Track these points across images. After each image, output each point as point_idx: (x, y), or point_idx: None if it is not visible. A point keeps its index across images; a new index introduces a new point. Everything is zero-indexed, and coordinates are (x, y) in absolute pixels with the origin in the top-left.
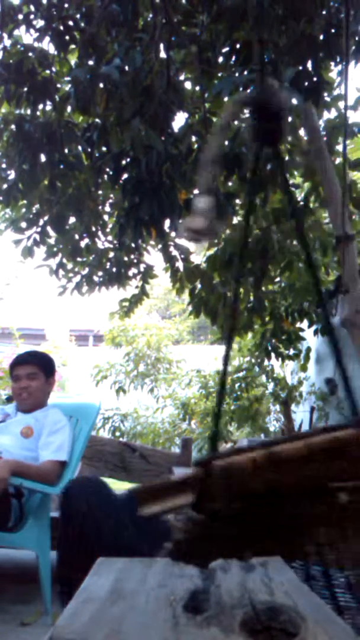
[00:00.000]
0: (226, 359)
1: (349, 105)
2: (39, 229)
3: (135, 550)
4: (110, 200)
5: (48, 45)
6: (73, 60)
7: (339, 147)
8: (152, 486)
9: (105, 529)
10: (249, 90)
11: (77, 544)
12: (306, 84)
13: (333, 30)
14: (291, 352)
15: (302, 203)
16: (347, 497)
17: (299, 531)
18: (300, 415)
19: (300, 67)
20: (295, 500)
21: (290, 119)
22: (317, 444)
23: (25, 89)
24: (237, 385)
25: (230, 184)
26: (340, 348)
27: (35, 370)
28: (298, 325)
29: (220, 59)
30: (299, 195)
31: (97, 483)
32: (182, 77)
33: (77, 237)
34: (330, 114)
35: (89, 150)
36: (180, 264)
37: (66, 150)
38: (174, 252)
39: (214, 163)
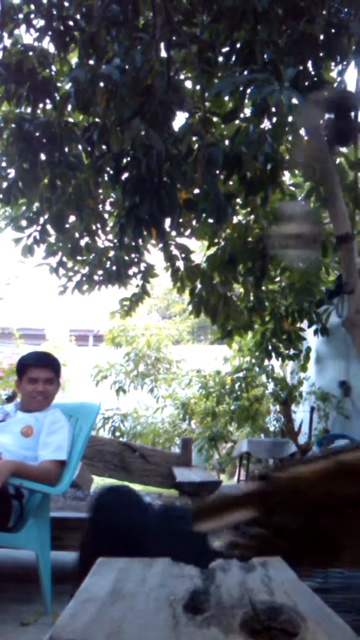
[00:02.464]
0: None
1: None
2: (39, 228)
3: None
4: (111, 199)
5: (48, 45)
6: (73, 60)
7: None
8: (212, 501)
9: (139, 542)
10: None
11: (106, 554)
12: (306, 83)
13: (333, 30)
14: (291, 352)
15: (302, 203)
16: None
17: None
18: (300, 415)
19: (301, 67)
20: None
21: (290, 118)
22: None
23: (26, 89)
24: (237, 385)
25: (230, 183)
26: None
27: (53, 376)
28: (298, 325)
29: (220, 59)
30: (299, 195)
31: (131, 493)
32: (182, 77)
33: (77, 235)
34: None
35: (89, 149)
36: (180, 264)
37: (66, 150)
38: (175, 252)
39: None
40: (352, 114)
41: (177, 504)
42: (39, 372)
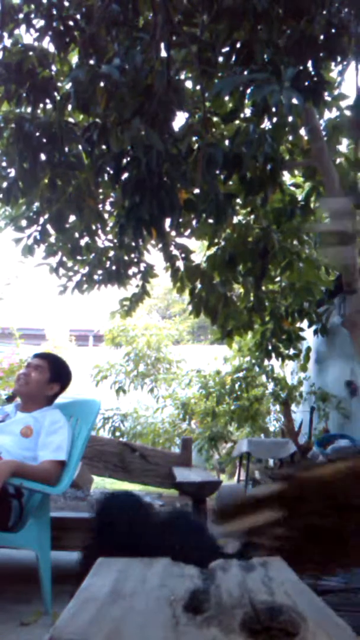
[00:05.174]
0: None
1: (349, 105)
2: (39, 228)
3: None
4: (111, 199)
5: (48, 45)
6: (73, 60)
7: (340, 147)
8: (235, 503)
9: (147, 547)
10: None
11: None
12: (306, 83)
13: (333, 30)
14: (291, 352)
15: (302, 203)
16: None
17: None
18: (300, 415)
19: (301, 67)
20: None
21: (290, 118)
22: None
23: (26, 89)
24: (237, 385)
25: (230, 183)
26: None
27: (44, 366)
28: (298, 325)
29: (220, 59)
30: (299, 195)
31: (136, 498)
32: (182, 77)
33: (77, 235)
34: (330, 114)
35: (89, 149)
36: (180, 264)
37: (66, 150)
38: (175, 252)
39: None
40: None
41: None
42: (32, 360)
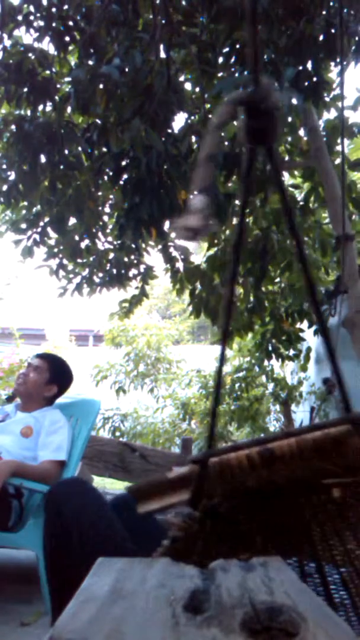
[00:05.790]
0: (222, 358)
1: (348, 106)
2: (39, 230)
3: (126, 552)
4: (110, 201)
5: (48, 45)
6: (73, 60)
7: (339, 147)
8: (150, 483)
9: (94, 531)
10: (242, 90)
11: (63, 547)
12: (306, 84)
13: (333, 30)
14: (291, 352)
15: (302, 203)
16: (339, 494)
17: (295, 528)
18: (300, 415)
19: (300, 67)
20: (289, 497)
21: (290, 118)
22: (310, 441)
23: (25, 89)
24: (237, 385)
25: (230, 184)
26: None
27: (43, 367)
28: (298, 325)
29: (220, 59)
30: (299, 196)
31: (83, 484)
32: (182, 77)
33: (77, 237)
34: (330, 114)
35: (89, 150)
36: (180, 265)
37: (66, 151)
38: (174, 253)
39: (210, 162)
40: (270, 112)
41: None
42: (32, 360)
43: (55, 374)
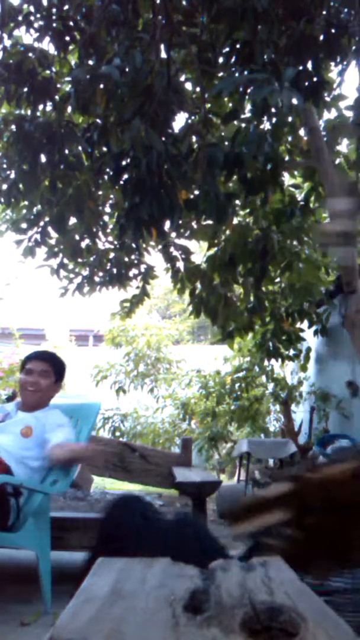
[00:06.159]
0: None
1: (348, 105)
2: (39, 230)
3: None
4: (111, 201)
5: (48, 45)
6: (73, 60)
7: (339, 147)
8: (244, 505)
9: (153, 554)
10: None
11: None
12: (306, 84)
13: (333, 30)
14: (291, 352)
15: (302, 203)
16: None
17: None
18: (300, 415)
19: (301, 67)
20: None
21: (290, 118)
22: None
23: (25, 89)
24: (237, 385)
25: (230, 184)
26: None
27: (49, 369)
28: (298, 325)
29: (220, 59)
30: (299, 196)
31: (143, 502)
32: (182, 77)
33: (77, 237)
34: (330, 114)
35: (89, 150)
36: (180, 264)
37: (66, 151)
38: (175, 253)
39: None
40: None
41: (187, 514)
42: (34, 364)
43: (58, 372)
